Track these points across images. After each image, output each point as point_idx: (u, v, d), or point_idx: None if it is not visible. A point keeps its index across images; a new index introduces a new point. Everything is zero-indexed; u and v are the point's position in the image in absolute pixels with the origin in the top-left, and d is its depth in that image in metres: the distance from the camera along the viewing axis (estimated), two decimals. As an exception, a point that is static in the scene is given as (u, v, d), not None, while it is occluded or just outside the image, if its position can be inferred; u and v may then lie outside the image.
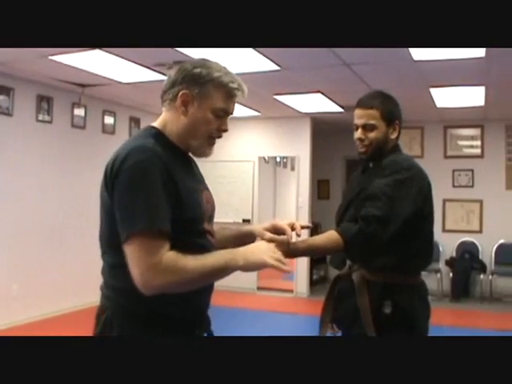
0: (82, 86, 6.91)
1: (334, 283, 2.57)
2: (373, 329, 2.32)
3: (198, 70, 1.84)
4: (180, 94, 1.84)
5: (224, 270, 1.74)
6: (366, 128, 2.46)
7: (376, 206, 2.25)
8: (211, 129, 1.87)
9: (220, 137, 1.92)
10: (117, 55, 5.32)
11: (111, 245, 1.78)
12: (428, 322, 2.47)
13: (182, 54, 5.10)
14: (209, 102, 1.84)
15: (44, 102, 6.83)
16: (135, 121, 8.43)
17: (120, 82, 6.61)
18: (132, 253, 1.68)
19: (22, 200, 6.55)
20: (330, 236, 2.27)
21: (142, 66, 5.77)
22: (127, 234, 1.68)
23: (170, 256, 1.68)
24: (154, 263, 1.65)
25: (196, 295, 1.83)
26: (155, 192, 1.69)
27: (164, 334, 1.75)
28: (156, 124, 1.92)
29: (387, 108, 2.48)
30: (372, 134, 2.45)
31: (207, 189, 2.00)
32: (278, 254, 1.77)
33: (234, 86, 1.86)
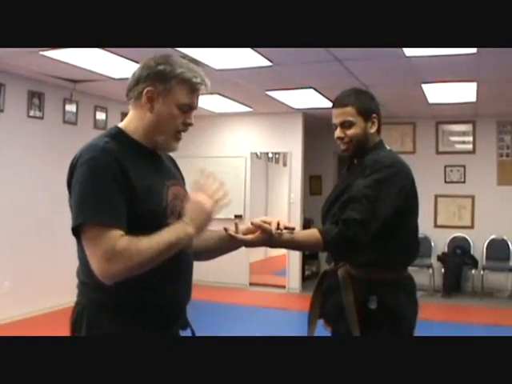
0: (74, 81, 6.88)
1: (322, 279, 2.59)
2: (357, 325, 2.33)
3: (161, 67, 1.88)
4: (145, 91, 1.89)
5: (177, 245, 1.80)
6: (344, 126, 2.48)
7: (357, 208, 2.27)
8: (177, 124, 1.92)
9: (185, 131, 1.96)
10: (108, 51, 5.30)
11: (78, 242, 1.84)
12: (415, 318, 2.48)
13: (173, 49, 5.09)
14: (174, 98, 1.88)
15: (35, 98, 6.80)
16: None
17: (112, 78, 6.58)
18: (86, 246, 1.76)
19: (13, 196, 6.52)
20: (311, 234, 2.32)
21: (133, 61, 5.74)
22: (71, 228, 1.78)
23: (122, 242, 1.71)
24: (107, 251, 1.69)
25: (168, 290, 1.87)
26: (101, 187, 1.74)
27: (135, 327, 1.80)
28: (121, 123, 1.98)
29: (362, 103, 2.50)
30: (351, 131, 2.48)
31: (179, 185, 2.03)
32: (214, 199, 1.89)
33: (198, 80, 1.90)
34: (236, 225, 2.12)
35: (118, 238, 1.71)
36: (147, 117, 1.90)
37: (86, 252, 1.76)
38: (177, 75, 1.87)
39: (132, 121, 1.95)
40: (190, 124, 1.95)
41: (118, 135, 1.92)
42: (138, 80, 1.91)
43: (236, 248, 2.21)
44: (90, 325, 1.81)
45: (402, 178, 2.39)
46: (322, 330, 2.59)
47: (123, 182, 1.76)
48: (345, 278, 2.42)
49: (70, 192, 1.85)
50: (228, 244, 2.17)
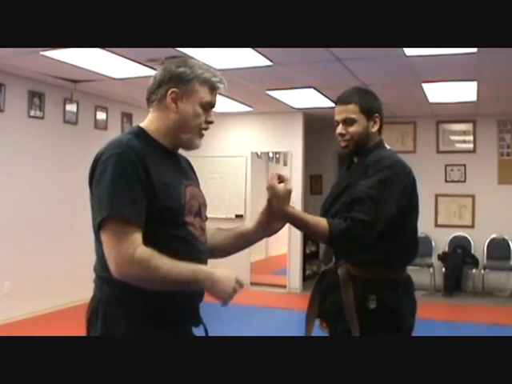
0: (74, 81, 6.88)
1: (321, 278, 2.60)
2: (357, 325, 2.35)
3: (182, 69, 1.97)
4: (169, 92, 1.96)
5: (190, 286, 1.86)
6: (347, 123, 2.50)
7: (362, 210, 2.29)
8: (201, 121, 2.00)
9: (207, 129, 2.04)
10: (109, 51, 5.29)
11: (96, 237, 1.89)
12: (414, 317, 2.50)
13: (174, 49, 5.08)
14: (197, 97, 1.97)
15: (36, 98, 6.80)
16: (127, 116, 8.40)
17: (112, 78, 6.58)
18: (105, 240, 1.80)
19: (13, 196, 6.52)
20: (320, 221, 2.35)
21: (134, 61, 5.74)
22: (98, 222, 1.79)
23: (145, 251, 1.76)
24: (128, 253, 1.74)
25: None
26: (126, 183, 1.79)
27: (150, 323, 1.84)
28: (142, 124, 2.03)
29: (366, 102, 2.52)
30: (352, 129, 2.49)
31: (195, 185, 2.10)
32: (237, 291, 1.91)
33: (217, 79, 2.01)
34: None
35: (139, 245, 1.76)
36: (171, 117, 1.97)
37: (104, 245, 1.79)
38: (198, 76, 1.97)
39: (153, 122, 2.01)
40: (211, 122, 2.04)
41: (141, 134, 1.97)
42: (160, 83, 1.98)
43: (255, 241, 2.30)
44: (105, 319, 1.85)
45: (403, 178, 2.41)
46: (318, 329, 2.59)
47: (145, 178, 1.82)
48: (345, 277, 2.43)
49: (91, 188, 1.89)
50: (247, 239, 2.28)
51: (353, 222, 2.27)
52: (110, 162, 1.80)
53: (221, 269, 1.88)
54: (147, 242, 1.78)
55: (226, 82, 2.05)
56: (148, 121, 2.03)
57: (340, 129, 2.52)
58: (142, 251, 1.75)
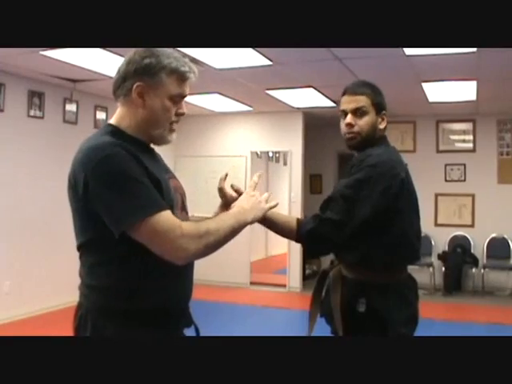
0: (74, 81, 6.88)
1: (321, 277, 2.55)
2: (341, 326, 2.30)
3: (147, 61, 1.83)
4: (134, 87, 1.84)
5: (238, 230, 1.85)
6: (357, 113, 2.39)
7: (334, 209, 2.23)
8: (171, 115, 1.88)
9: (178, 121, 1.93)
10: (109, 51, 5.29)
11: (88, 245, 1.83)
12: (409, 326, 2.36)
13: (173, 49, 5.08)
14: (165, 90, 1.84)
15: (35, 98, 6.80)
16: (127, 116, 8.38)
17: (112, 77, 6.56)
18: (146, 242, 1.70)
19: (14, 196, 6.53)
20: (289, 221, 2.33)
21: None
22: (132, 224, 1.68)
23: (188, 225, 1.73)
24: (177, 236, 1.69)
25: (175, 288, 1.87)
26: (133, 179, 1.70)
27: (142, 329, 1.77)
28: (112, 121, 1.92)
29: (376, 96, 2.43)
30: (362, 121, 2.38)
31: (174, 177, 2.03)
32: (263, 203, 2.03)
33: (186, 69, 1.86)
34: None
35: (179, 223, 1.71)
36: (140, 112, 1.86)
37: (152, 247, 1.70)
38: (164, 67, 1.83)
39: (124, 118, 1.89)
40: (182, 114, 1.92)
41: (116, 132, 1.85)
42: (125, 76, 1.86)
43: None
44: (94, 329, 1.77)
45: (387, 178, 2.27)
46: (321, 328, 2.57)
47: (144, 171, 1.75)
48: (335, 278, 2.41)
49: (81, 200, 1.80)
50: None
51: (321, 222, 2.22)
52: (105, 167, 1.71)
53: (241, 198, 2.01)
54: (135, 243, 1.71)
55: (196, 69, 1.91)
56: (118, 117, 1.91)
57: (349, 118, 2.39)
58: (186, 226, 1.71)
